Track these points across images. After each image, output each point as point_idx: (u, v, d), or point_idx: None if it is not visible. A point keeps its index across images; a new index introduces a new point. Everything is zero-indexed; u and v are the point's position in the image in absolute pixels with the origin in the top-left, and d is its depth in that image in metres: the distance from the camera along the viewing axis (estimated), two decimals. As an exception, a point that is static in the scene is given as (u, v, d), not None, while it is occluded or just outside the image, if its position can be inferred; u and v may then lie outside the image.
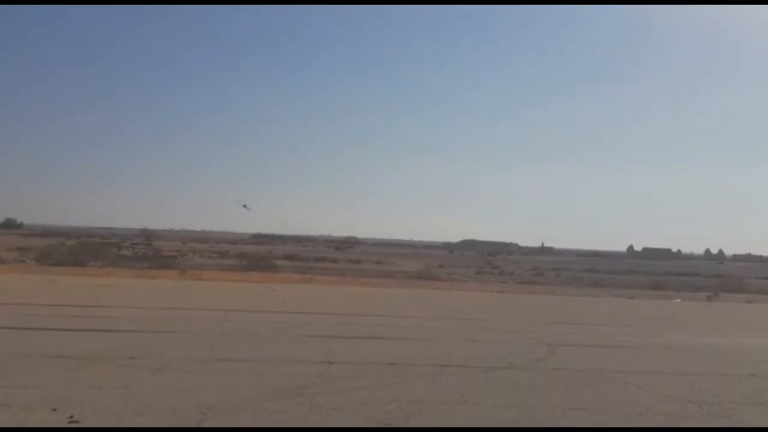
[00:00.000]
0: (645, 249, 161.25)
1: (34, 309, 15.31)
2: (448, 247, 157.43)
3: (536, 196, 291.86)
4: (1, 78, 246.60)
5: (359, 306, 20.18)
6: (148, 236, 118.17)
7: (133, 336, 11.81)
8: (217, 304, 18.61)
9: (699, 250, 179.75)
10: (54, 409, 6.41)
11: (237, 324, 14.30)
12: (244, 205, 40.03)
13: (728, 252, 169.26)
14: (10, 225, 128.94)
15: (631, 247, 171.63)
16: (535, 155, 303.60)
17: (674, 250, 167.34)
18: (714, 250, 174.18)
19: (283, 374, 8.77)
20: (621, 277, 65.34)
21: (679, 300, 32.48)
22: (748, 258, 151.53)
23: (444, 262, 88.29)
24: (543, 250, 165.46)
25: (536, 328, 16.44)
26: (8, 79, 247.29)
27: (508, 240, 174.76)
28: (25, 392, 7.11)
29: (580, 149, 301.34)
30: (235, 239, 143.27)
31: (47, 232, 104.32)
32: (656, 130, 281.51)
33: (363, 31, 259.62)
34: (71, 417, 6.15)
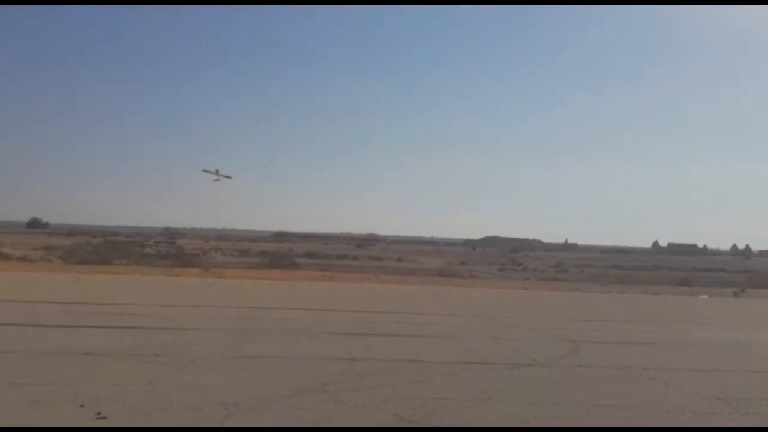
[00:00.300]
0: (670, 245, 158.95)
1: (60, 307, 15.55)
2: (469, 244, 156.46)
3: (559, 192, 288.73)
4: (26, 77, 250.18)
5: (380, 303, 20.20)
6: (171, 234, 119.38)
7: (158, 333, 11.93)
8: (239, 301, 18.76)
9: (725, 246, 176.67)
10: (82, 406, 6.48)
11: (259, 321, 14.39)
12: (216, 173, 36.81)
13: (755, 247, 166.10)
14: (35, 224, 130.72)
15: (656, 243, 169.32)
16: (557, 150, 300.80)
17: (700, 245, 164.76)
18: (741, 246, 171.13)
19: (306, 371, 8.79)
20: (646, 273, 64.60)
21: (705, 296, 32.03)
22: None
23: (466, 259, 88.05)
24: (566, 247, 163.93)
25: (560, 324, 16.32)
26: (33, 78, 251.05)
27: (530, 236, 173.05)
28: (53, 389, 7.21)
29: (602, 143, 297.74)
30: (256, 237, 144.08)
31: (72, 231, 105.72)
32: (681, 123, 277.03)
33: (383, 26, 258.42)
34: (99, 413, 6.21)
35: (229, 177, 37.01)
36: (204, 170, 35.65)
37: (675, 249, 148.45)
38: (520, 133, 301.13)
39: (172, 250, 67.39)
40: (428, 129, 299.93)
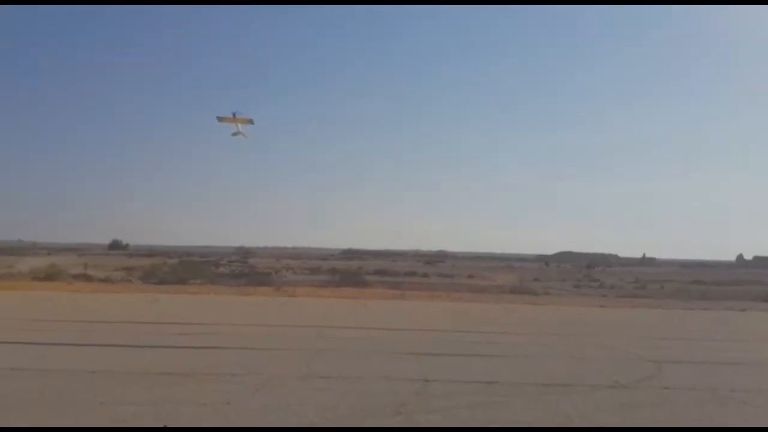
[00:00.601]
0: (756, 258, 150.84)
1: (140, 327, 16.07)
2: (542, 259, 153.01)
3: (636, 204, 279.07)
4: (103, 115, 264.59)
5: (453, 322, 19.91)
6: (243, 254, 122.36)
7: (233, 353, 12.13)
8: (311, 320, 18.89)
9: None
10: (165, 426, 6.60)
11: (332, 340, 14.42)
12: (234, 120, 25.89)
13: None
14: (116, 246, 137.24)
15: (740, 256, 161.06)
16: (634, 160, 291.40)
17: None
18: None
19: (381, 392, 8.70)
20: (731, 288, 61.30)
21: (798, 313, 30.03)
22: None
23: (539, 275, 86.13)
24: (644, 261, 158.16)
25: (641, 343, 15.61)
26: (109, 115, 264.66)
27: (606, 251, 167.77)
28: (135, 408, 7.39)
29: (682, 152, 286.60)
30: (326, 255, 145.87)
31: (151, 252, 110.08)
32: (763, 129, 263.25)
33: (469, 32, 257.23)
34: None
35: (250, 121, 27.77)
36: (219, 118, 27.50)
37: (762, 262, 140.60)
38: (593, 144, 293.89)
39: (245, 270, 68.95)
40: (497, 142, 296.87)
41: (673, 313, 27.89)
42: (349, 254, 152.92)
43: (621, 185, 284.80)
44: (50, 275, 42.35)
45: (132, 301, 24.90)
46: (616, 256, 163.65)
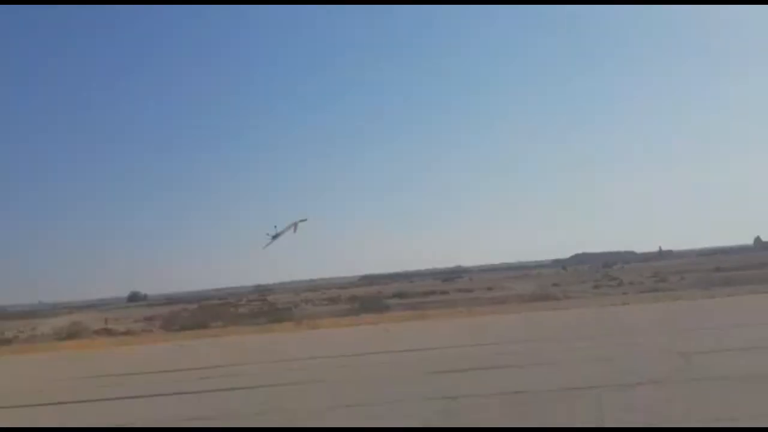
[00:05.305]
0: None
1: (165, 376, 16.06)
2: (559, 263, 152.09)
3: (647, 198, 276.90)
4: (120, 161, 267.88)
5: (476, 336, 19.74)
6: (261, 292, 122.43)
7: (259, 392, 12.11)
8: (335, 350, 18.81)
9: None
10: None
11: (356, 369, 14.35)
12: (274, 233, 28.03)
13: None
14: (135, 298, 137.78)
15: (758, 239, 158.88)
16: (639, 155, 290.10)
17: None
18: None
19: (410, 414, 8.63)
20: (752, 272, 60.49)
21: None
22: None
23: (558, 280, 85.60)
24: (662, 255, 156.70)
25: (667, 338, 15.40)
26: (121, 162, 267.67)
27: (622, 249, 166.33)
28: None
29: (685, 143, 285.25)
30: (344, 283, 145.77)
31: (169, 300, 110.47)
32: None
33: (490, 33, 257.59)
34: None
35: (303, 220, 31.53)
36: (270, 235, 30.09)
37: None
38: (598, 142, 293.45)
39: (264, 307, 68.99)
40: (498, 151, 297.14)
41: (696, 303, 27.62)
42: (367, 280, 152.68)
43: (631, 182, 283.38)
44: (72, 333, 42.64)
45: (155, 352, 24.86)
46: (632, 253, 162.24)
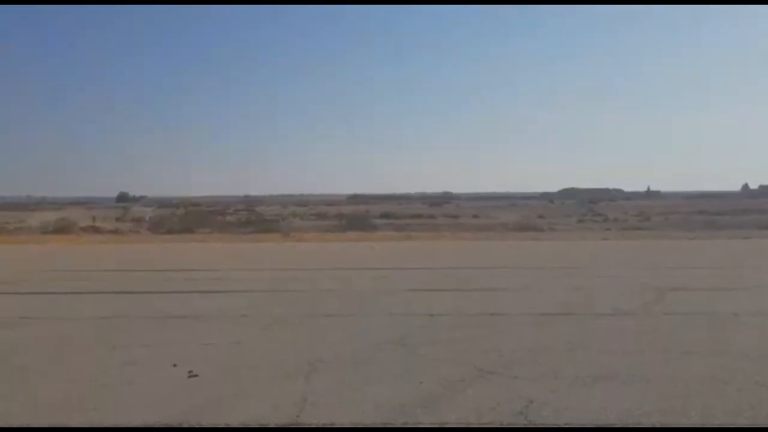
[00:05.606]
0: (762, 187, 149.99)
1: (150, 275, 16.36)
2: (547, 197, 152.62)
3: (638, 137, 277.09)
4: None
5: (457, 259, 20.15)
6: (250, 203, 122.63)
7: (243, 296, 12.38)
8: (318, 263, 19.16)
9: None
10: (174, 365, 6.81)
11: (338, 281, 14.64)
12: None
13: None
14: (123, 199, 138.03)
15: (746, 186, 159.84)
16: (634, 93, 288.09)
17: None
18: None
19: (386, 327, 8.91)
20: (735, 217, 61.38)
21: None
22: None
23: (543, 212, 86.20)
24: (649, 195, 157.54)
25: (644, 273, 15.84)
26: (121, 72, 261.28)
27: (611, 186, 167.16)
28: (146, 350, 7.61)
29: (679, 84, 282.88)
30: (332, 201, 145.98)
31: (159, 204, 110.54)
32: (761, 58, 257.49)
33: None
34: (190, 372, 6.51)
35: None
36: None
37: (767, 191, 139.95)
38: (592, 77, 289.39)
39: (252, 218, 69.27)
40: (494, 79, 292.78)
41: (677, 243, 28.12)
42: (356, 199, 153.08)
43: (623, 119, 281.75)
44: (60, 229, 42.89)
45: (142, 250, 25.21)
46: (620, 191, 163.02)
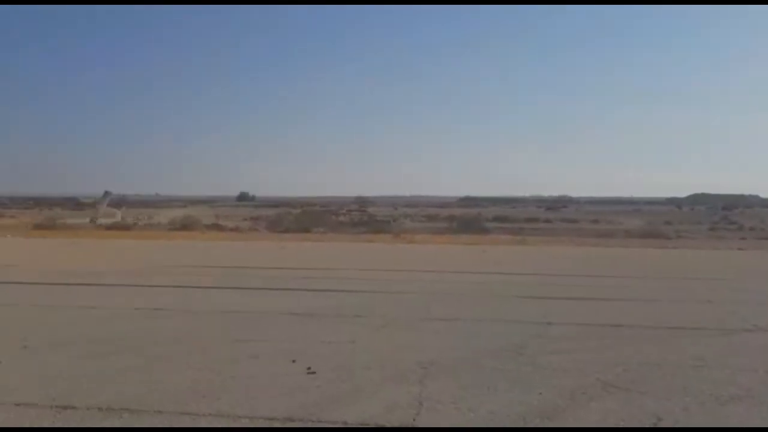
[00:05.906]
0: None
1: (269, 272, 16.98)
2: (674, 202, 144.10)
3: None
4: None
5: (574, 266, 19.38)
6: (362, 203, 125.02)
7: (356, 296, 12.53)
8: (430, 265, 19.11)
9: None
10: (294, 361, 7.00)
11: (452, 284, 14.49)
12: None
13: None
14: (244, 198, 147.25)
15: None
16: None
17: None
18: None
19: (501, 333, 8.69)
20: None
21: None
22: None
23: (671, 218, 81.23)
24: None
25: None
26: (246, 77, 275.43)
27: (746, 192, 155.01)
28: (267, 345, 7.88)
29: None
30: (443, 203, 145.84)
31: (275, 203, 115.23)
32: None
33: None
34: (309, 368, 6.66)
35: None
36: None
37: None
38: (726, 81, 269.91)
39: (364, 218, 70.47)
40: (623, 78, 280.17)
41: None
42: (467, 201, 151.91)
43: (759, 121, 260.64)
44: (186, 225, 45.69)
45: (260, 248, 26.30)
46: (757, 197, 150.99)
